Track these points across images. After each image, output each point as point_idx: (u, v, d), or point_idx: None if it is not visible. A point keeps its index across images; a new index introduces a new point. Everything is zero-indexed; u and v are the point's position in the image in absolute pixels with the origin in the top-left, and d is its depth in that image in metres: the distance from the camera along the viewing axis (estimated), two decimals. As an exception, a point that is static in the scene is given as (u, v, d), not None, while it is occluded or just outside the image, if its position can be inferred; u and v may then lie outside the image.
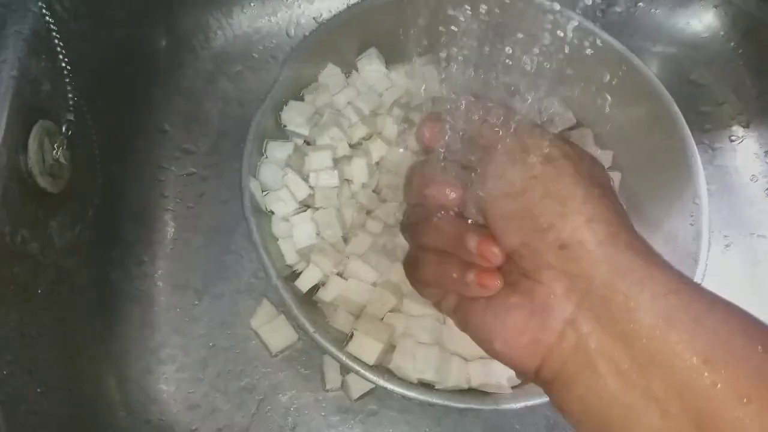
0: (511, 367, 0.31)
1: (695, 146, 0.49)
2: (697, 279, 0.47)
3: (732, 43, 0.67)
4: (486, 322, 0.31)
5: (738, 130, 0.65)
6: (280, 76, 0.52)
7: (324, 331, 0.46)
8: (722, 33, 0.67)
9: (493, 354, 0.31)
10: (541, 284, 0.29)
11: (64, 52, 0.46)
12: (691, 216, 0.49)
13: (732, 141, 0.64)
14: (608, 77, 0.52)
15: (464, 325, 0.33)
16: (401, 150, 0.54)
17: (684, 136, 0.50)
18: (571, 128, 0.56)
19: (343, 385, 0.53)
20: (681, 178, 0.49)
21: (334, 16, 0.54)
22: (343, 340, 0.47)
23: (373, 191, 0.53)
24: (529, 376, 0.30)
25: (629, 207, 0.51)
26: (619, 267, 0.27)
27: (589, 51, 0.50)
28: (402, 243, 0.51)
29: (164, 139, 0.59)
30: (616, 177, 0.54)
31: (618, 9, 0.67)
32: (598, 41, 0.53)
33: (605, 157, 0.55)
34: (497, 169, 0.31)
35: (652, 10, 0.67)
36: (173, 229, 0.56)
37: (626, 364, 0.26)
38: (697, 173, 0.48)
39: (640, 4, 0.67)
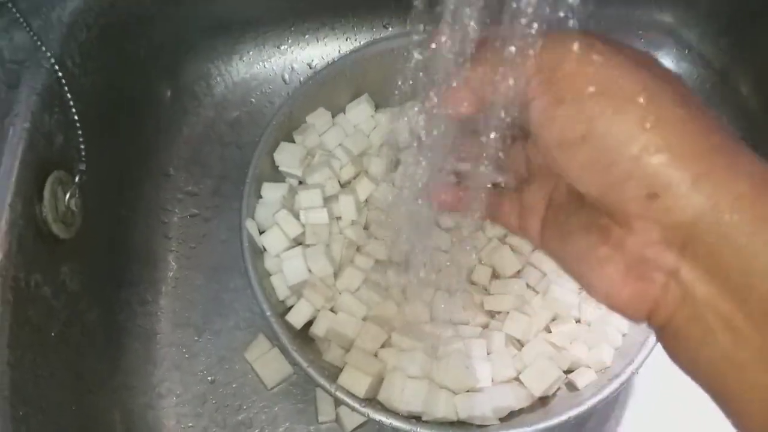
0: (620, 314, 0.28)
1: None
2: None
3: (707, 85, 0.70)
4: (582, 273, 0.27)
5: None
6: (273, 120, 0.55)
7: (317, 365, 0.48)
8: (696, 74, 0.70)
9: (598, 301, 0.27)
10: (633, 234, 0.25)
11: (75, 105, 0.50)
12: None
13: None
14: None
15: (564, 269, 0.29)
16: (389, 187, 0.56)
17: None
18: None
19: (337, 418, 0.55)
20: None
21: (329, 65, 0.58)
22: (337, 373, 0.49)
23: (364, 228, 0.56)
24: (640, 322, 0.27)
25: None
26: (725, 206, 0.23)
27: None
28: (393, 280, 0.54)
29: (168, 182, 0.62)
30: None
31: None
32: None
33: None
34: (548, 111, 0.25)
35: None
36: (176, 269, 0.59)
37: (739, 320, 0.23)
38: None
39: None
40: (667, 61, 0.70)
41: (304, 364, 0.47)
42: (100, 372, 0.52)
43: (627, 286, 0.26)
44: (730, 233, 0.23)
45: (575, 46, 0.24)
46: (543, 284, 0.53)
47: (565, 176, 0.26)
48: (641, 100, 0.23)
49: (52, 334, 0.44)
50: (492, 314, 0.53)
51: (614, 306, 0.26)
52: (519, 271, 0.54)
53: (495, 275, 0.55)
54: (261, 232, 0.53)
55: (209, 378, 0.56)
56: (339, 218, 0.55)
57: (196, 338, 0.57)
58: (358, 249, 0.55)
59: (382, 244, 0.54)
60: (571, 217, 0.28)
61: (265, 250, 0.53)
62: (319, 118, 0.58)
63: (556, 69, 0.24)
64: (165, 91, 0.64)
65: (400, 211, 0.54)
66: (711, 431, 0.52)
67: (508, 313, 0.52)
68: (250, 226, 0.51)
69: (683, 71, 0.70)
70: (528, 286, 0.54)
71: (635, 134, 0.23)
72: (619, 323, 0.51)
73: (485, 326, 0.53)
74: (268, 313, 0.48)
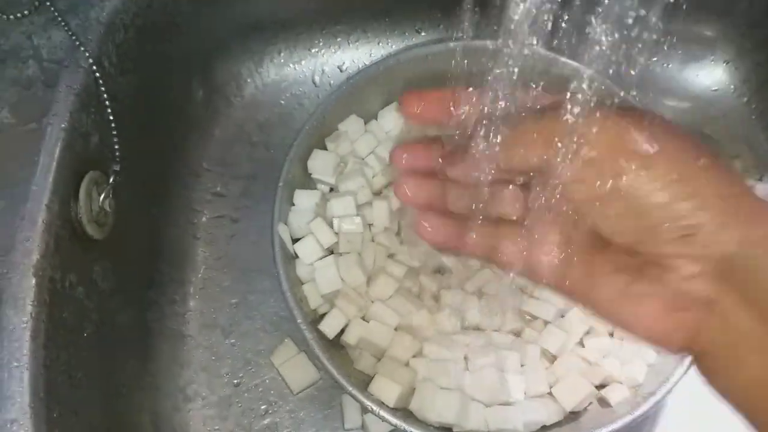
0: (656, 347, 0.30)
1: None
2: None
3: (744, 99, 0.69)
4: (617, 312, 0.29)
5: (751, 182, 0.66)
6: (305, 126, 0.55)
7: (347, 373, 0.48)
8: (733, 87, 0.69)
9: (635, 336, 0.29)
10: (671, 271, 0.27)
11: (110, 105, 0.50)
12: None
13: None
14: None
15: (592, 309, 0.30)
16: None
17: None
18: None
19: (363, 426, 0.55)
20: None
21: (360, 71, 0.58)
22: (367, 382, 0.49)
23: (396, 235, 0.55)
24: (675, 353, 0.29)
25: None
26: (756, 241, 0.25)
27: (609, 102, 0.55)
28: (427, 287, 0.53)
29: (198, 183, 0.62)
30: None
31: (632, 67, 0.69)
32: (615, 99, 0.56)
33: None
34: (589, 169, 0.27)
35: (665, 65, 0.70)
36: (204, 270, 0.59)
37: None
38: None
39: (654, 59, 0.70)
40: (705, 74, 0.69)
41: (336, 375, 0.46)
42: (130, 373, 0.52)
43: (668, 319, 0.27)
44: (763, 265, 0.25)
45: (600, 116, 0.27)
46: None
47: (596, 227, 0.28)
48: (664, 156, 0.27)
49: (85, 334, 0.44)
50: (526, 320, 0.53)
51: (655, 339, 0.28)
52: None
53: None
54: (294, 240, 0.53)
55: (235, 381, 0.56)
56: (371, 225, 0.55)
57: (222, 340, 0.57)
58: (391, 256, 0.54)
59: (416, 250, 0.54)
60: (597, 258, 0.29)
61: (297, 257, 0.52)
62: (351, 125, 0.58)
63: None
64: (197, 92, 0.64)
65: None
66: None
67: (544, 323, 0.52)
68: (282, 231, 0.51)
69: (720, 85, 0.69)
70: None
71: (664, 185, 0.26)
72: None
73: (518, 333, 0.53)
74: (300, 321, 0.47)
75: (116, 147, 0.50)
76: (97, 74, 0.49)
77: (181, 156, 0.62)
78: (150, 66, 0.56)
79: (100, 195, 0.47)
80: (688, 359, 0.45)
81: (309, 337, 0.47)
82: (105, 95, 0.49)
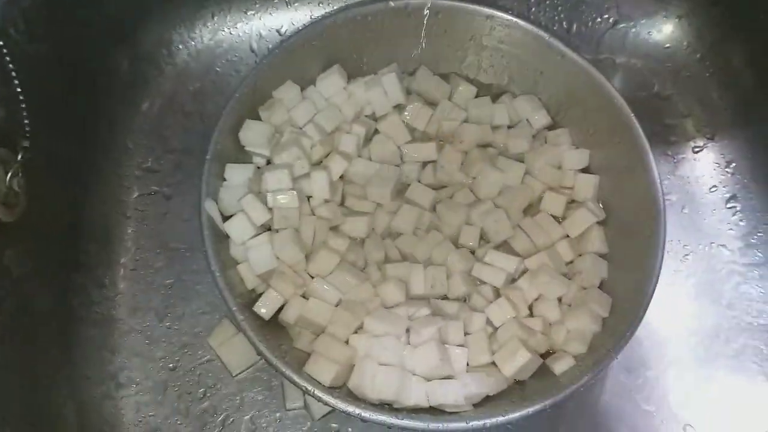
0: None
1: (653, 161, 0.50)
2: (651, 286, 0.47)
3: (697, 55, 0.67)
4: None
5: (701, 142, 0.65)
6: (235, 94, 0.51)
7: (285, 352, 0.46)
8: (686, 44, 0.67)
9: None
10: None
11: (18, 76, 0.46)
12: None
13: (695, 152, 0.65)
14: (572, 86, 0.54)
15: None
16: (364, 161, 0.54)
17: (642, 148, 0.51)
18: (549, 128, 0.58)
19: (306, 405, 0.53)
20: (642, 186, 0.50)
21: (296, 33, 0.54)
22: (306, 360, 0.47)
23: (340, 206, 0.53)
24: None
25: (606, 211, 0.53)
26: None
27: (559, 58, 0.53)
28: (374, 257, 0.51)
29: (126, 158, 0.59)
30: (593, 180, 0.54)
31: (582, 24, 0.67)
32: (559, 56, 0.54)
33: (581, 156, 0.55)
34: None
35: (616, 21, 0.68)
36: (134, 250, 0.56)
37: None
38: (654, 183, 0.50)
39: (605, 16, 0.67)
40: (657, 30, 0.67)
41: (270, 356, 0.44)
42: (51, 362, 0.49)
43: None
44: None
45: None
46: (535, 260, 0.51)
47: None
48: None
49: (-3, 325, 0.41)
50: (475, 284, 0.52)
51: None
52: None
53: (484, 238, 0.53)
54: (226, 218, 0.50)
55: (171, 365, 0.53)
56: (310, 198, 0.52)
57: (156, 323, 0.54)
58: (334, 229, 0.52)
59: (360, 220, 0.52)
60: None
61: (228, 237, 0.50)
62: (287, 92, 0.54)
63: None
64: (122, 60, 0.60)
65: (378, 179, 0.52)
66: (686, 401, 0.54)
67: (493, 288, 0.51)
68: (210, 208, 0.48)
69: (673, 41, 0.67)
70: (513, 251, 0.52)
71: None
72: (598, 308, 0.49)
73: (466, 298, 0.51)
74: (234, 308, 0.45)
75: (26, 122, 0.46)
76: (0, 42, 0.45)
77: (106, 129, 0.58)
78: (64, 33, 0.52)
79: (6, 174, 0.44)
80: (631, 331, 0.45)
81: (240, 318, 0.45)
82: (11, 65, 0.45)
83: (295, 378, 0.44)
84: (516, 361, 0.47)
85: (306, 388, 0.44)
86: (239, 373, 0.53)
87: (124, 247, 0.56)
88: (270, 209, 0.50)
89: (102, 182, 0.57)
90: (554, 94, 0.57)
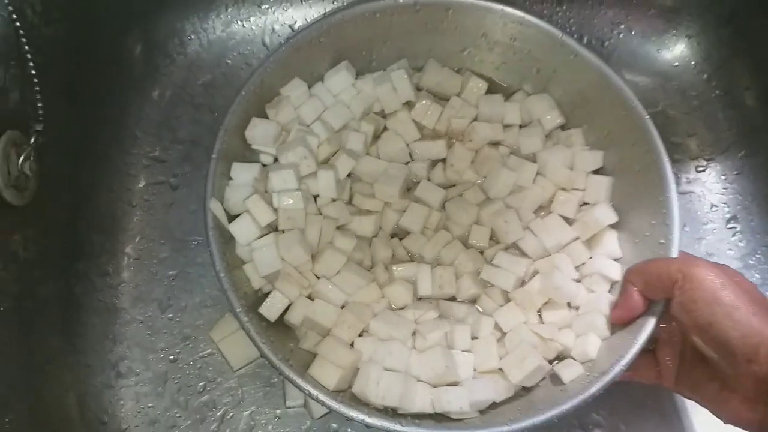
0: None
1: (668, 165, 0.49)
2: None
3: (704, 75, 0.68)
4: (711, 408, 0.44)
5: (704, 161, 0.66)
6: (242, 90, 0.50)
7: (290, 351, 0.46)
8: (693, 64, 0.68)
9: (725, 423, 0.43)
10: (743, 385, 0.40)
11: (33, 59, 0.45)
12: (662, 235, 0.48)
13: (698, 171, 0.65)
14: (585, 86, 0.53)
15: (696, 401, 0.45)
16: (372, 159, 0.54)
17: (657, 152, 0.50)
18: (561, 128, 0.57)
19: (306, 403, 0.53)
20: (657, 191, 0.49)
21: (302, 29, 0.53)
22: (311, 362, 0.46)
23: (348, 204, 0.52)
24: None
25: (618, 214, 0.52)
26: None
27: (572, 57, 0.52)
28: (381, 256, 0.51)
29: (135, 146, 0.58)
30: (606, 182, 0.53)
31: (593, 37, 0.67)
32: (572, 55, 0.54)
33: (595, 157, 0.54)
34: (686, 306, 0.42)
35: (626, 38, 0.68)
36: (139, 240, 0.55)
37: None
38: (669, 188, 0.49)
39: (615, 31, 0.68)
40: (666, 48, 0.67)
41: (275, 361, 0.44)
42: (54, 349, 0.48)
43: (745, 414, 0.41)
44: None
45: (703, 271, 0.41)
46: (545, 263, 0.51)
47: (698, 346, 0.42)
48: (745, 301, 0.40)
49: (2, 308, 0.41)
50: (484, 286, 0.51)
51: (739, 425, 0.42)
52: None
53: (494, 239, 0.52)
54: (232, 217, 0.49)
55: (171, 357, 0.53)
56: (317, 197, 0.52)
57: (158, 314, 0.53)
58: (340, 228, 0.51)
59: (368, 219, 0.51)
60: (696, 370, 0.44)
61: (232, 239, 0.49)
62: (294, 89, 0.53)
63: (692, 281, 0.41)
64: (135, 47, 0.59)
65: (386, 177, 0.52)
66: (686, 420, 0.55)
67: (502, 292, 0.50)
68: (215, 208, 0.47)
69: (681, 60, 0.67)
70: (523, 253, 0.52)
71: (746, 321, 0.39)
72: (607, 311, 0.49)
73: (474, 300, 0.51)
74: (238, 309, 0.44)
75: (39, 105, 0.46)
76: (18, 23, 0.44)
77: (116, 116, 0.57)
78: (81, 16, 0.51)
79: (19, 157, 0.43)
80: (642, 337, 0.44)
81: (244, 320, 0.44)
82: (27, 47, 0.45)
83: (299, 381, 0.44)
84: (525, 368, 0.47)
85: (309, 392, 0.44)
86: (240, 368, 0.53)
87: (128, 237, 0.55)
88: (275, 210, 0.50)
89: (109, 169, 0.56)
90: (567, 92, 0.55)
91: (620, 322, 0.47)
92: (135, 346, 0.53)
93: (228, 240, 0.48)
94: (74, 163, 0.51)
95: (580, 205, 0.53)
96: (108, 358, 0.52)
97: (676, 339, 0.46)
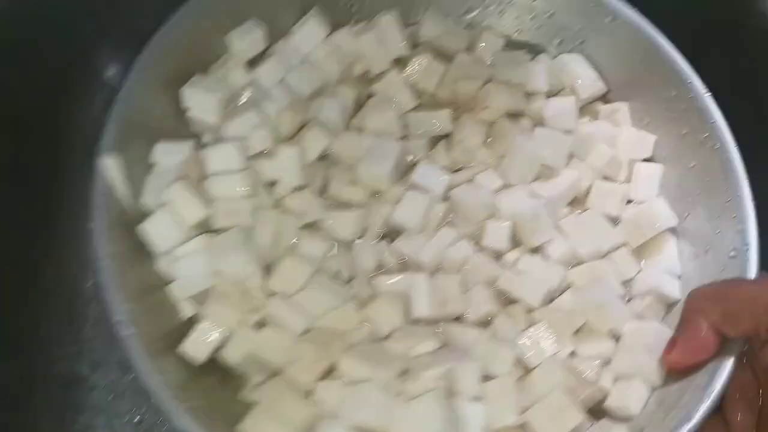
0: None
1: (738, 158, 0.41)
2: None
3: None
4: None
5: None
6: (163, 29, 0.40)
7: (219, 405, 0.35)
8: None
9: None
10: None
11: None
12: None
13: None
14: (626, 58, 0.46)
15: None
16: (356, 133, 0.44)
17: (723, 142, 0.42)
18: (603, 99, 0.48)
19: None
20: (721, 189, 0.42)
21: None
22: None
23: (321, 195, 0.42)
24: None
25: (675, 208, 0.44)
26: None
27: (608, 20, 0.46)
28: (363, 267, 0.40)
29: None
30: (658, 170, 0.46)
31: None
32: (609, 18, 0.46)
33: (645, 141, 0.46)
34: None
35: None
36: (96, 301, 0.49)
37: None
38: (739, 186, 0.41)
39: None
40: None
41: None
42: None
43: None
44: None
45: None
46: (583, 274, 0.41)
47: None
48: None
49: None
50: (501, 301, 0.41)
51: None
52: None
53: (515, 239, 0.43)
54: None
55: (136, 419, 0.46)
56: (274, 184, 0.41)
57: (120, 377, 0.47)
58: (308, 227, 0.41)
59: (348, 215, 0.41)
60: None
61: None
62: (246, 36, 0.43)
63: None
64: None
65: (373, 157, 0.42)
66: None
67: (526, 310, 0.40)
68: (109, 166, 0.37)
69: None
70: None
71: None
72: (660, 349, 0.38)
73: (488, 322, 0.40)
74: (134, 359, 0.34)
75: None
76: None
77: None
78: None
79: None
80: (715, 390, 0.36)
81: (149, 379, 0.33)
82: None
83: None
84: (563, 426, 0.36)
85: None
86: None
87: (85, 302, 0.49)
88: (210, 202, 0.39)
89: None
90: (602, 65, 0.48)
91: (679, 367, 0.38)
92: (99, 413, 0.47)
93: (138, 255, 0.38)
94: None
95: (627, 202, 0.46)
96: (73, 429, 0.46)
97: (752, 393, 0.37)
